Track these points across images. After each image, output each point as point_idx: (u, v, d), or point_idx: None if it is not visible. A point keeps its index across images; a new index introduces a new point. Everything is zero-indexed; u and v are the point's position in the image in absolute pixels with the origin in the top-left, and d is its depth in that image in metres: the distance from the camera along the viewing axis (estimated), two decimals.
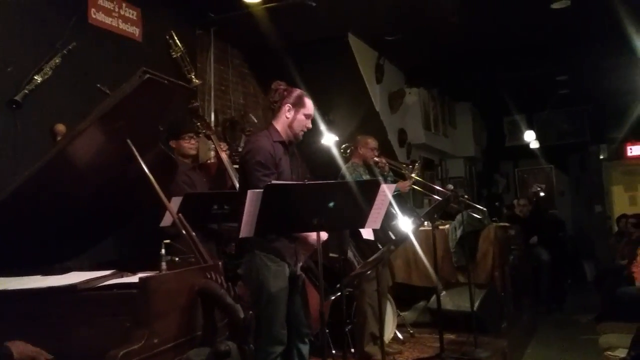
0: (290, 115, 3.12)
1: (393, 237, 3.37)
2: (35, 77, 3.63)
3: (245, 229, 2.46)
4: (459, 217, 5.72)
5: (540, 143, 11.36)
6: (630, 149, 11.17)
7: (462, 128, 10.63)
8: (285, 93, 3.14)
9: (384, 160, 4.97)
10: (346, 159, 5.07)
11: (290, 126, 3.12)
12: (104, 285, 2.04)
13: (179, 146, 4.19)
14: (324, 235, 2.81)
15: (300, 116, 3.11)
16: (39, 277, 2.21)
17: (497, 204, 9.96)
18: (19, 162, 3.48)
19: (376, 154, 4.94)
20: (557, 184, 12.19)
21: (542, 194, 11.45)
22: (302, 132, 3.16)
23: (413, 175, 5.13)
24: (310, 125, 3.15)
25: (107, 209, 2.86)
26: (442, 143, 9.51)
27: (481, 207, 5.78)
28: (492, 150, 12.09)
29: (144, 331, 1.91)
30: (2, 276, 2.24)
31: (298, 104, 3.12)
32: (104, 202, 2.80)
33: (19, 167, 3.34)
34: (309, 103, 3.16)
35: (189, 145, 4.17)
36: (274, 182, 2.48)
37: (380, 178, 4.45)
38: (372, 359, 4.36)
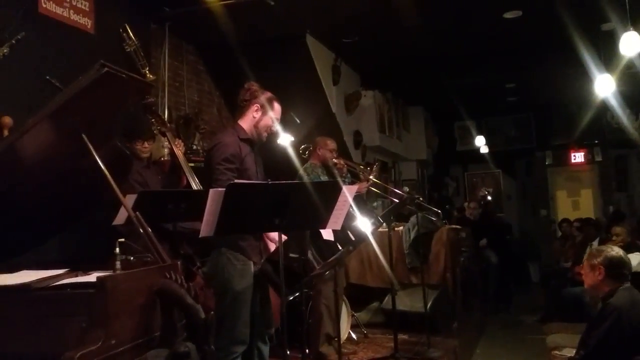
0: (257, 115, 3.17)
1: (352, 238, 3.39)
2: None
3: (206, 228, 2.42)
4: (412, 219, 5.80)
5: (489, 148, 11.67)
6: (574, 155, 11.62)
7: (415, 131, 10.79)
8: (257, 93, 3.19)
9: (342, 162, 4.99)
10: (304, 160, 5.05)
11: (256, 126, 3.17)
12: (59, 284, 1.95)
13: (133, 148, 4.07)
14: (283, 236, 2.81)
15: (267, 118, 3.17)
16: None
17: (447, 206, 10.15)
18: None
19: (335, 155, 4.95)
20: (504, 188, 12.55)
21: (489, 197, 11.75)
22: (266, 134, 3.19)
23: (371, 177, 5.16)
24: (275, 129, 3.18)
25: (57, 205, 2.76)
26: (396, 146, 9.63)
27: (435, 210, 5.87)
28: (443, 154, 12.33)
29: (101, 332, 1.83)
30: None
31: (267, 106, 3.18)
32: (54, 198, 2.69)
33: None
34: (277, 107, 3.23)
35: (142, 148, 4.06)
36: (237, 180, 2.45)
37: (339, 179, 4.46)
38: (326, 359, 4.36)
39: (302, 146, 5.20)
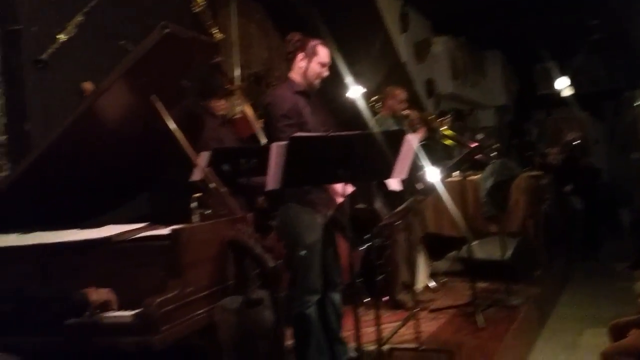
0: (303, 64, 3.12)
1: (420, 188, 3.35)
2: (60, 36, 3.64)
3: (271, 181, 2.47)
4: (489, 166, 5.65)
5: (574, 90, 11.03)
6: None
7: (491, 77, 10.39)
8: (299, 43, 3.14)
9: (413, 113, 4.90)
10: (375, 112, 5.01)
11: (304, 75, 3.14)
12: (138, 237, 2.08)
13: (207, 106, 4.18)
14: (349, 188, 2.82)
15: (314, 65, 3.12)
16: (76, 230, 2.26)
17: (529, 153, 9.78)
18: (50, 121, 3.52)
19: (405, 106, 4.87)
20: (591, 131, 11.90)
21: (577, 142, 11.19)
22: (319, 81, 3.16)
23: (443, 127, 5.04)
24: (326, 74, 3.14)
25: (139, 165, 2.90)
26: (472, 93, 9.33)
27: (513, 157, 5.69)
28: (523, 99, 11.80)
29: (177, 280, 1.95)
30: (41, 230, 2.29)
31: (311, 53, 3.12)
32: (135, 159, 2.83)
33: (50, 127, 3.38)
34: (322, 51, 3.15)
35: (217, 106, 4.16)
36: (298, 134, 2.47)
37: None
38: (404, 306, 4.41)
39: (372, 98, 5.15)
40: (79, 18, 3.71)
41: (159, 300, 1.84)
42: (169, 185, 3.35)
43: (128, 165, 2.80)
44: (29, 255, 2.10)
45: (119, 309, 1.91)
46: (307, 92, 3.16)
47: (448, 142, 5.35)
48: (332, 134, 2.48)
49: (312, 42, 3.16)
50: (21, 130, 3.58)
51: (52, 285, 2.02)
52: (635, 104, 11.03)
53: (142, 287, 1.93)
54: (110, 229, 2.18)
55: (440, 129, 4.92)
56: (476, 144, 5.05)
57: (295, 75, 3.16)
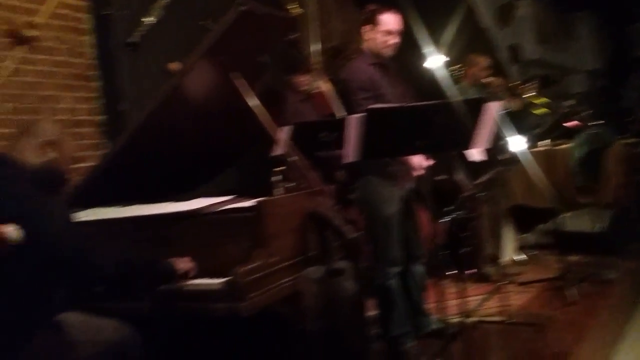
0: (370, 35, 3.10)
1: (503, 158, 3.25)
2: (148, 18, 3.80)
3: (349, 154, 2.49)
4: (581, 135, 5.38)
5: None
6: None
7: (582, 40, 9.80)
8: (366, 15, 3.13)
9: (496, 81, 4.74)
10: (456, 81, 4.89)
11: (374, 46, 3.10)
12: (224, 209, 2.17)
13: (291, 81, 4.26)
14: (427, 161, 2.79)
15: (378, 34, 3.07)
16: (169, 203, 2.40)
17: (627, 119, 9.19)
18: (141, 101, 3.71)
19: (487, 73, 4.73)
20: None
21: None
22: (389, 50, 3.10)
23: (530, 94, 4.84)
24: (394, 41, 3.08)
25: (223, 142, 3.00)
26: (560, 57, 8.86)
27: (606, 124, 5.39)
28: (618, 62, 11.06)
29: (262, 250, 2.02)
30: (138, 204, 2.45)
31: (373, 23, 3.08)
32: (220, 135, 2.93)
33: (141, 106, 3.56)
34: (384, 19, 3.08)
35: (299, 81, 4.22)
36: (374, 105, 2.46)
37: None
38: (489, 279, 4.34)
39: (453, 67, 5.02)
40: (164, 1, 3.86)
41: (244, 269, 1.92)
42: (254, 160, 3.46)
43: (215, 140, 2.91)
44: (126, 226, 2.24)
45: (208, 277, 2.01)
46: (383, 63, 3.13)
47: (538, 110, 5.13)
48: (409, 104, 2.45)
49: (377, 12, 3.10)
50: (116, 110, 3.80)
51: (147, 255, 2.15)
52: None
53: (229, 257, 2.02)
54: (200, 201, 2.30)
55: (526, 96, 4.73)
56: (567, 110, 4.83)
57: (367, 47, 3.14)
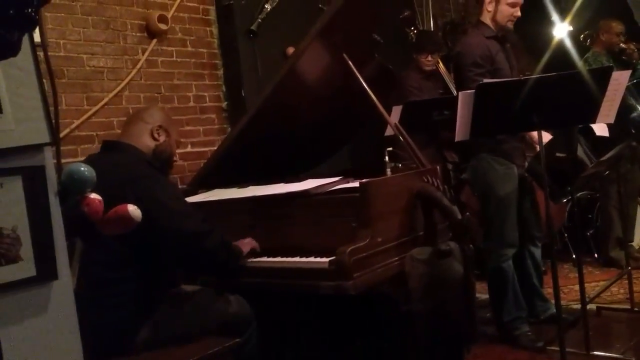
0: (491, 7, 2.99)
1: (633, 132, 3.01)
2: (266, 6, 3.96)
3: (460, 132, 2.45)
4: None
5: None
6: None
7: None
8: None
9: (632, 46, 4.36)
10: (585, 49, 4.57)
11: (494, 19, 2.99)
12: (332, 190, 2.25)
13: (417, 59, 4.28)
14: (546, 136, 2.66)
15: (503, 6, 2.95)
16: (281, 184, 2.52)
17: None
18: (261, 86, 3.89)
19: (622, 39, 4.36)
20: None
21: None
22: (511, 23, 2.99)
23: None
24: (518, 14, 2.95)
25: (336, 122, 3.08)
26: None
27: None
28: None
29: (368, 230, 2.06)
30: (253, 184, 2.61)
31: None
32: (333, 116, 3.01)
33: (261, 92, 3.74)
34: None
35: (425, 60, 4.25)
36: (486, 80, 2.38)
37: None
38: (617, 264, 4.07)
39: (584, 34, 4.68)
40: None
41: (350, 248, 1.97)
42: (367, 140, 3.51)
43: (329, 122, 3.00)
44: (242, 206, 2.40)
45: (318, 256, 2.10)
46: (501, 37, 3.03)
47: None
48: (523, 77, 2.35)
49: None
50: (239, 96, 4.03)
51: (259, 233, 2.30)
52: None
53: (336, 236, 2.09)
54: (308, 183, 2.39)
55: None
56: None
57: (485, 19, 3.04)
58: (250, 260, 2.22)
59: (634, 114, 2.98)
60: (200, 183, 2.84)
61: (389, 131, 3.42)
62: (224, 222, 2.36)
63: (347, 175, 2.44)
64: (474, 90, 2.35)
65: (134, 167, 2.06)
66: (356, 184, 2.18)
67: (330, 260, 2.02)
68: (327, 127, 3.01)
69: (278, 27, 4.10)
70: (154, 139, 2.20)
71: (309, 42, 2.53)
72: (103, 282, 1.92)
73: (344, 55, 2.62)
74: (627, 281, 3.28)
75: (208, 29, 4.04)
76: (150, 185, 2.00)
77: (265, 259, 2.23)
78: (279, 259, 2.21)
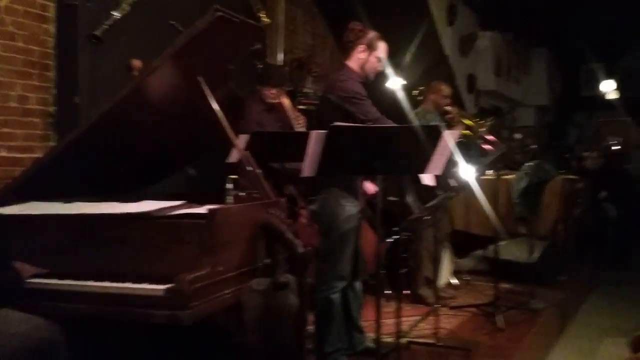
0: (363, 56, 3.16)
1: (453, 184, 3.37)
2: (114, 13, 3.76)
3: (307, 168, 2.53)
4: (524, 167, 5.62)
5: (620, 93, 10.77)
6: None
7: (535, 75, 10.23)
8: (361, 34, 3.18)
9: (455, 110, 4.84)
10: (416, 104, 5.01)
11: (362, 67, 3.17)
12: (175, 214, 2.17)
13: (261, 91, 4.27)
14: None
15: (373, 58, 3.16)
16: (115, 203, 2.37)
17: (566, 155, 9.63)
18: (97, 95, 3.66)
19: (448, 101, 4.85)
20: (634, 137, 11.61)
21: (616, 147, 10.95)
22: (374, 75, 3.20)
23: (482, 130, 4.98)
24: (381, 68, 3.18)
25: (179, 143, 3.00)
26: (513, 90, 9.21)
27: (549, 158, 5.63)
28: (566, 100, 11.58)
29: (210, 259, 2.02)
30: (82, 201, 2.42)
31: (372, 46, 3.16)
32: (176, 137, 2.93)
33: (98, 101, 3.52)
34: (382, 46, 3.20)
35: (268, 93, 4.24)
36: (337, 123, 2.51)
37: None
38: (425, 301, 4.46)
39: (416, 91, 5.12)
40: None
41: (191, 276, 1.91)
42: (207, 165, 3.46)
43: (168, 142, 2.91)
44: (69, 223, 2.21)
45: (153, 283, 2.00)
46: (363, 83, 3.20)
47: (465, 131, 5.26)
48: (372, 125, 2.52)
49: (372, 34, 3.18)
50: (71, 102, 3.73)
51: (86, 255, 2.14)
52: None
53: (175, 263, 2.02)
54: (148, 204, 2.28)
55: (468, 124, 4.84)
56: (516, 143, 5.01)
57: (353, 64, 3.19)
58: (72, 284, 2.04)
59: (455, 169, 3.34)
60: (15, 193, 2.55)
61: (232, 158, 3.42)
62: (36, 240, 2.16)
63: (183, 199, 2.38)
64: (325, 131, 2.45)
65: None
66: (202, 209, 2.13)
67: (167, 288, 1.94)
68: (169, 146, 2.93)
69: (125, 36, 3.90)
70: None
71: (163, 61, 2.46)
72: None
73: (199, 78, 2.59)
74: (434, 317, 3.61)
75: (44, 26, 3.71)
76: None
77: (91, 283, 2.06)
78: (106, 283, 2.07)
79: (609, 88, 10.66)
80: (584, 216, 6.71)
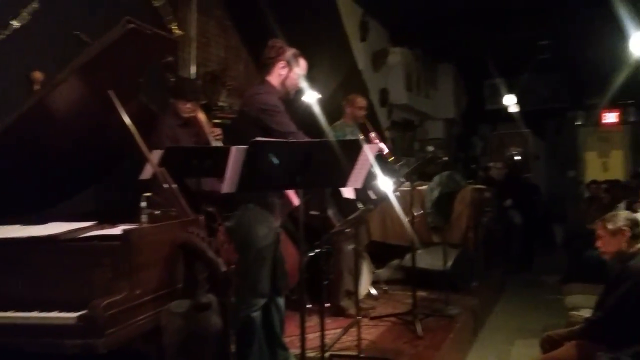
0: (284, 72, 3.15)
1: (373, 197, 3.42)
2: (13, 22, 3.53)
3: (228, 184, 2.47)
4: (436, 178, 5.80)
5: (520, 107, 11.46)
6: (606, 115, 11.36)
7: (443, 89, 10.67)
8: (281, 50, 3.17)
9: (370, 126, 4.90)
10: (333, 118, 5.04)
11: (283, 83, 3.16)
12: (86, 236, 2.04)
13: (175, 105, 4.12)
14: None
15: (294, 75, 3.16)
16: (18, 226, 2.20)
17: (473, 166, 10.10)
18: None
19: (364, 114, 4.93)
20: (533, 148, 12.38)
21: (517, 157, 11.64)
22: (293, 92, 3.20)
23: (372, 134, 5.07)
24: (301, 85, 3.18)
25: (87, 159, 2.85)
26: (423, 104, 9.55)
27: (458, 169, 5.86)
28: (471, 113, 12.16)
29: (126, 282, 1.93)
30: None
31: (292, 63, 3.15)
32: (84, 152, 2.78)
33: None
34: (303, 63, 3.21)
35: (183, 107, 4.10)
36: (259, 138, 2.47)
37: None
38: (346, 313, 4.48)
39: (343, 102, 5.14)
40: (34, 5, 3.61)
41: (105, 302, 1.82)
42: (118, 182, 3.30)
43: (77, 158, 2.76)
44: None
45: (63, 311, 1.86)
46: (282, 99, 3.18)
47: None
48: (293, 140, 2.50)
49: (293, 51, 3.18)
50: None
51: None
52: (576, 124, 11.56)
53: (88, 288, 1.91)
54: (55, 226, 2.13)
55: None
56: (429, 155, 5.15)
57: (274, 80, 3.17)
58: None
59: (375, 182, 3.38)
60: None
61: (145, 174, 3.28)
62: None
63: (94, 219, 2.25)
64: (246, 147, 2.41)
65: None
66: (116, 230, 2.02)
67: (79, 316, 1.83)
68: (78, 163, 2.77)
69: (24, 46, 3.66)
70: None
71: (70, 74, 2.34)
72: None
73: (109, 92, 2.48)
74: (356, 329, 3.62)
75: None
76: None
77: None
78: (10, 313, 1.91)
79: (510, 102, 11.30)
80: (492, 223, 7.03)
